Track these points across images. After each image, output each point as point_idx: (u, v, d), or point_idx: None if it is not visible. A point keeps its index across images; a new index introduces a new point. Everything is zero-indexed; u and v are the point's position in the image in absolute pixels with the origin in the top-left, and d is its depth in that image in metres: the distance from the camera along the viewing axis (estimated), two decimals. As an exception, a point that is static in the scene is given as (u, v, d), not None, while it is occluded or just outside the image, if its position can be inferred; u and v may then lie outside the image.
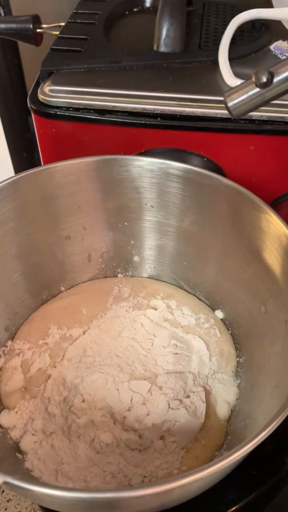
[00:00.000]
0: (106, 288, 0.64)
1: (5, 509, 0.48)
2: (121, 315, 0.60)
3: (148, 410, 0.49)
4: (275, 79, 0.40)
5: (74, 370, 0.53)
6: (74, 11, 0.75)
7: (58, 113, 0.61)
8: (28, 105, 0.63)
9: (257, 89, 0.41)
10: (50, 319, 0.60)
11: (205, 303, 0.63)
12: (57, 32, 0.71)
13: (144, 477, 0.46)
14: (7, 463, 0.46)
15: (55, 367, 0.54)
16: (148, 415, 0.49)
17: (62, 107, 0.61)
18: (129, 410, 0.49)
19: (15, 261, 0.57)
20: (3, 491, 0.50)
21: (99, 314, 0.61)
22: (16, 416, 0.50)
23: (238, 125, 0.59)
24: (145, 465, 0.46)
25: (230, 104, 0.43)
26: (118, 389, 0.50)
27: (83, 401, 0.49)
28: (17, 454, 0.48)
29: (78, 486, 0.45)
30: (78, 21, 0.73)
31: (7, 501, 0.49)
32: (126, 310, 0.61)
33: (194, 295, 0.64)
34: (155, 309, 0.61)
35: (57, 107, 0.61)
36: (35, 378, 0.54)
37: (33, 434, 0.49)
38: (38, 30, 0.72)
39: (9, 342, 0.58)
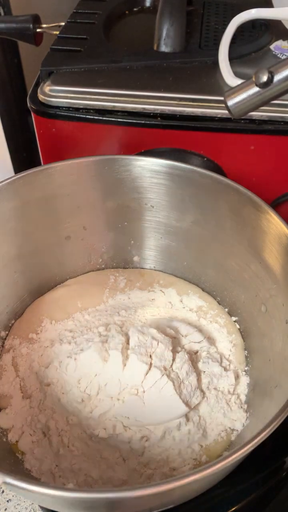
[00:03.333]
0: (101, 277, 0.64)
1: (5, 509, 0.48)
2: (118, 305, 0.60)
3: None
4: (275, 79, 0.40)
5: (67, 365, 0.51)
6: (74, 10, 0.75)
7: (58, 113, 0.61)
8: (28, 105, 0.63)
9: (257, 89, 0.41)
10: (42, 312, 0.59)
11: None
12: (57, 32, 0.70)
13: (143, 472, 0.46)
14: (7, 463, 0.46)
15: (48, 364, 0.53)
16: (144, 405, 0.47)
17: (62, 107, 0.61)
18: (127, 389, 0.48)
19: (15, 261, 0.57)
20: (3, 491, 0.50)
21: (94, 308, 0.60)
22: (13, 416, 0.50)
23: (238, 125, 0.59)
24: (145, 460, 0.46)
25: (230, 103, 0.43)
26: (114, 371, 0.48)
27: (82, 400, 0.49)
28: (17, 454, 0.48)
29: (78, 485, 0.45)
30: (78, 21, 0.73)
31: (7, 501, 0.49)
32: (124, 300, 0.61)
33: (195, 284, 0.64)
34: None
35: (57, 107, 0.61)
36: (28, 376, 0.53)
37: (30, 434, 0.48)
38: (38, 30, 0.72)
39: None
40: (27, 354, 0.55)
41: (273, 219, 0.49)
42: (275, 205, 0.64)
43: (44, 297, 0.62)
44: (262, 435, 0.34)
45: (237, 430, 0.49)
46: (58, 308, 0.60)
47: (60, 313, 0.59)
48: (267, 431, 0.34)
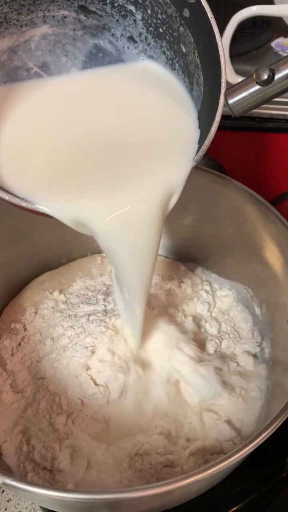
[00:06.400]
0: (89, 259, 0.62)
1: (5, 509, 0.48)
2: None
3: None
4: (276, 76, 0.40)
5: (54, 354, 0.50)
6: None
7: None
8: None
9: (258, 87, 0.40)
10: (24, 299, 0.57)
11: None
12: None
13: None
14: (5, 463, 0.45)
15: (40, 358, 0.51)
16: None
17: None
18: None
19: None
20: (3, 491, 0.50)
21: None
22: (5, 411, 0.48)
23: (239, 123, 0.58)
24: None
25: (230, 101, 0.42)
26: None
27: (79, 394, 0.47)
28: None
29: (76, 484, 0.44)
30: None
31: (7, 501, 0.49)
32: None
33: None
34: None
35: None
36: (19, 370, 0.51)
37: (24, 430, 0.47)
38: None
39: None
40: (15, 347, 0.52)
41: (274, 218, 0.49)
42: (277, 203, 0.63)
43: (29, 285, 0.59)
44: (262, 436, 0.34)
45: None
46: (41, 292, 0.57)
47: (44, 298, 0.56)
48: (268, 431, 0.34)
